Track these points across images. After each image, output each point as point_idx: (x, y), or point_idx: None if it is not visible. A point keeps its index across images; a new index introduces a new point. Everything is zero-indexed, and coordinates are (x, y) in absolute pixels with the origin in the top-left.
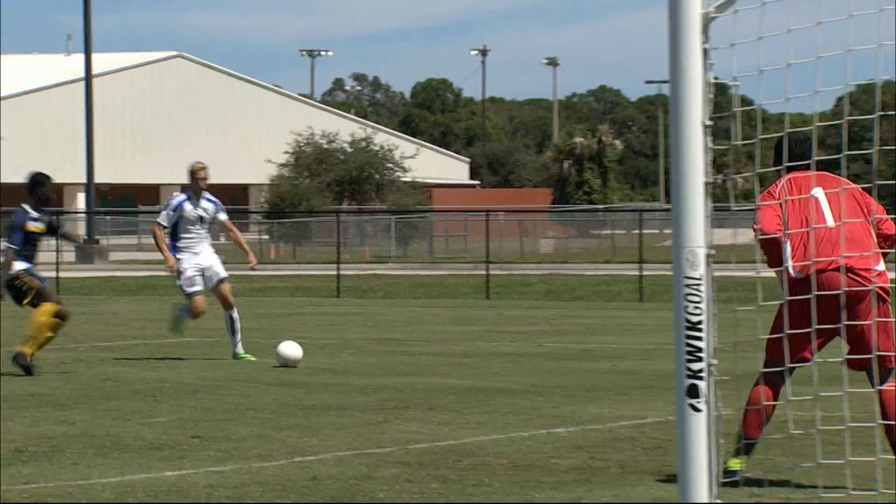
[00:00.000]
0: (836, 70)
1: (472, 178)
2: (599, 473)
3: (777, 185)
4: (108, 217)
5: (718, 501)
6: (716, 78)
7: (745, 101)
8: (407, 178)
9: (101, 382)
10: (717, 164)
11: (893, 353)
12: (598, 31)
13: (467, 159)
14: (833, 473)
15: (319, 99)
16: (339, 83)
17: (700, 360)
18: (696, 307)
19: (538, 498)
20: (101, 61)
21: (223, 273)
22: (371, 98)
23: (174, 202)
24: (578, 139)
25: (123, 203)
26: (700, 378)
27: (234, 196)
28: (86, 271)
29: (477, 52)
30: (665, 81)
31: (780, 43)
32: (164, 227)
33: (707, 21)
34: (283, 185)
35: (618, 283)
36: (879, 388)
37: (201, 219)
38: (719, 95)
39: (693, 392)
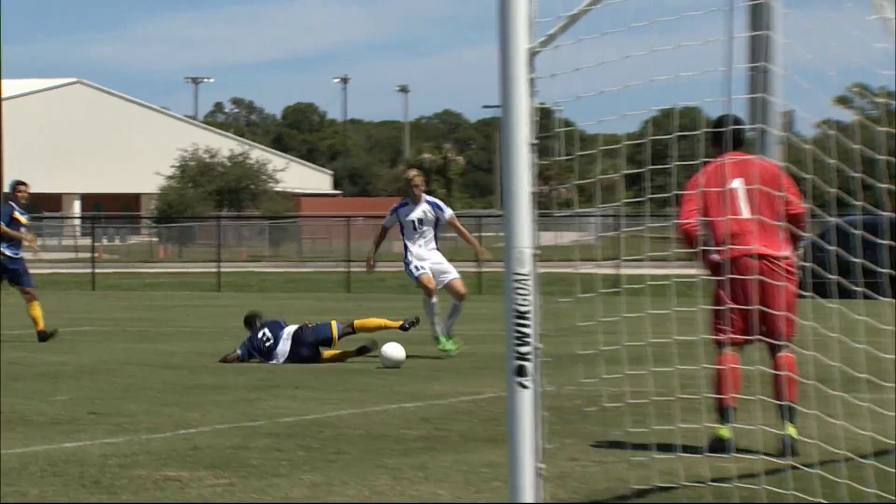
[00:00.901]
0: (641, 97)
1: (334, 188)
2: (442, 441)
3: (701, 175)
4: None
5: (542, 465)
6: (541, 103)
7: (566, 122)
8: (278, 188)
9: (8, 366)
10: (543, 176)
11: (792, 325)
12: (442, 62)
13: (331, 172)
14: (639, 440)
15: (202, 120)
16: (219, 106)
17: (527, 343)
18: (524, 299)
19: (390, 463)
20: (9, 86)
21: (454, 273)
22: (247, 119)
23: (393, 208)
24: (426, 155)
25: (29, 209)
26: (527, 360)
27: (127, 203)
28: None
29: (339, 79)
30: (499, 106)
31: (594, 73)
32: (386, 228)
33: (532, 55)
34: (171, 194)
35: None
36: (778, 354)
37: (420, 221)
38: (544, 118)
39: (521, 371)
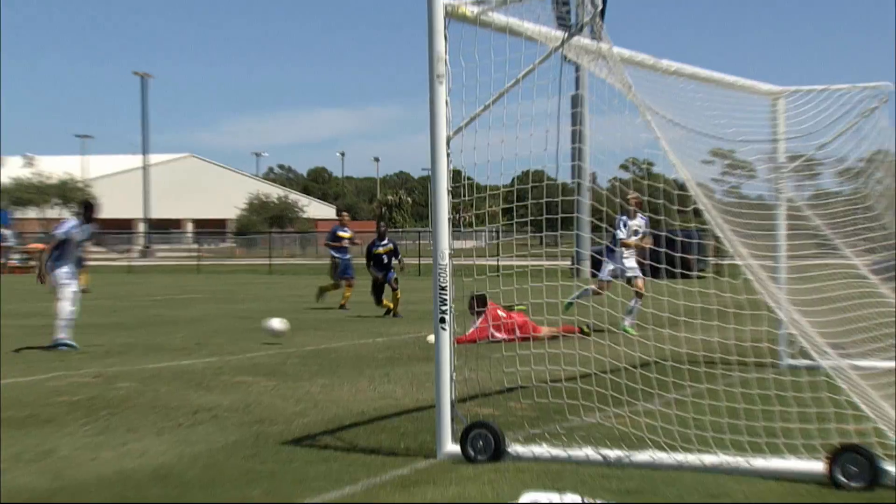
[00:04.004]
0: (510, 164)
1: (336, 216)
2: (398, 360)
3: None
4: (157, 236)
5: (454, 373)
6: (454, 167)
7: (468, 178)
8: (304, 216)
9: (153, 317)
10: (455, 208)
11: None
12: (398, 144)
13: (334, 206)
14: (510, 360)
15: (261, 176)
16: (270, 169)
17: (446, 304)
18: (444, 279)
19: (367, 373)
20: (153, 158)
21: (637, 273)
22: (287, 175)
23: (624, 220)
24: (390, 197)
25: (165, 228)
26: (446, 314)
27: (218, 224)
28: (150, 261)
29: (339, 153)
30: (430, 168)
31: (485, 149)
32: (622, 237)
33: (448, 139)
34: (243, 219)
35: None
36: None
37: (635, 232)
38: (456, 176)
39: (443, 321)
